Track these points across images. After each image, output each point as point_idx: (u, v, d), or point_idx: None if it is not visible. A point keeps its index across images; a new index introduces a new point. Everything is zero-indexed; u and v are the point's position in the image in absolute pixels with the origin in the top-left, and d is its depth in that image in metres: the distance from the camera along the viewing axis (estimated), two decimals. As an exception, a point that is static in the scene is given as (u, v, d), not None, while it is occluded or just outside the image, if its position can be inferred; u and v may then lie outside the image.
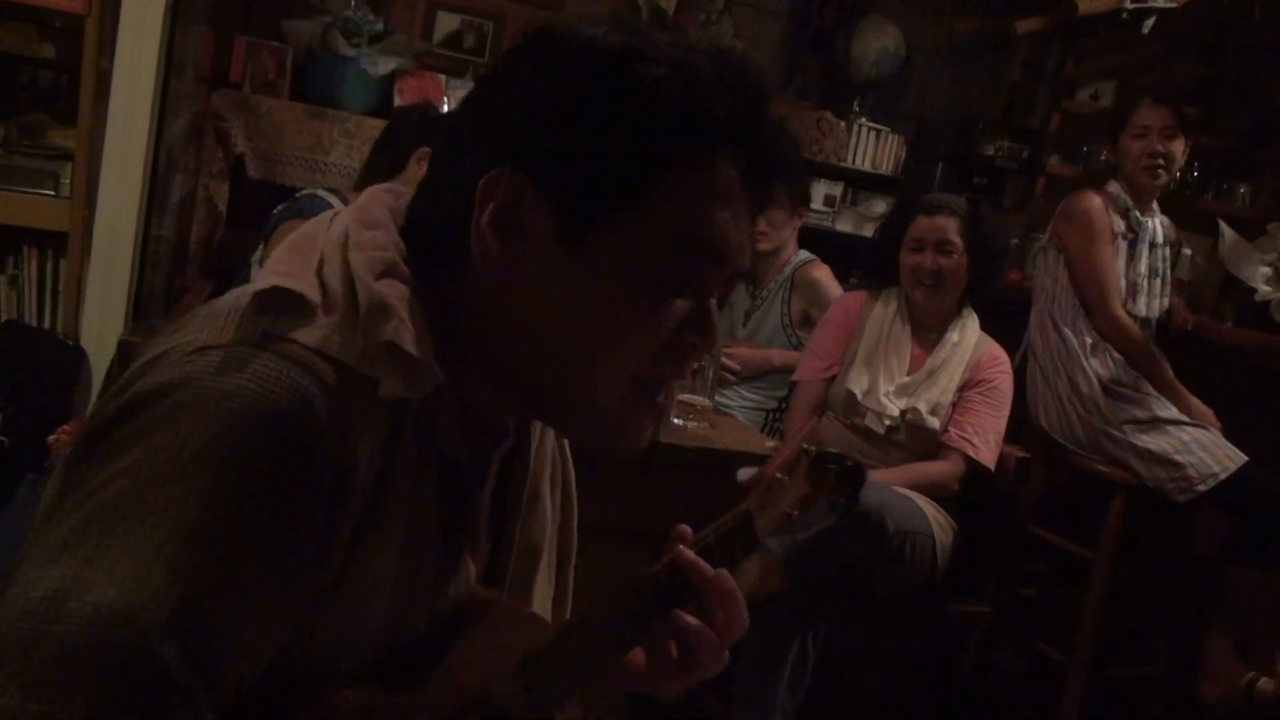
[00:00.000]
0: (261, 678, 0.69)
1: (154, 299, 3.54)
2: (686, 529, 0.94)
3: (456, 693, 0.75)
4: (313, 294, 0.73)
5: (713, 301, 0.81)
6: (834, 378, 2.67)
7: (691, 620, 0.90)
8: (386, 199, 0.83)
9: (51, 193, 2.90)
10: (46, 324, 2.96)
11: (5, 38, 2.95)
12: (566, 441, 1.01)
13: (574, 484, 1.03)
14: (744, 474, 1.01)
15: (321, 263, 0.75)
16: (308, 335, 0.70)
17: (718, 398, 2.77)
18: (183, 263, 3.51)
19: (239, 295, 0.74)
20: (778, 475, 0.98)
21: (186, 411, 0.65)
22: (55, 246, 2.95)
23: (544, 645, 0.85)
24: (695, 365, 2.59)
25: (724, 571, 0.91)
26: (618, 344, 0.77)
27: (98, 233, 2.95)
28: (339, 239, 0.77)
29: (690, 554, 0.90)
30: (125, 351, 2.21)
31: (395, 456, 0.74)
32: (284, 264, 0.75)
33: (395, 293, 0.74)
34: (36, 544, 0.64)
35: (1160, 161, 2.84)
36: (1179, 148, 2.86)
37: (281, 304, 0.72)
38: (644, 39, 0.76)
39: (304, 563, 0.68)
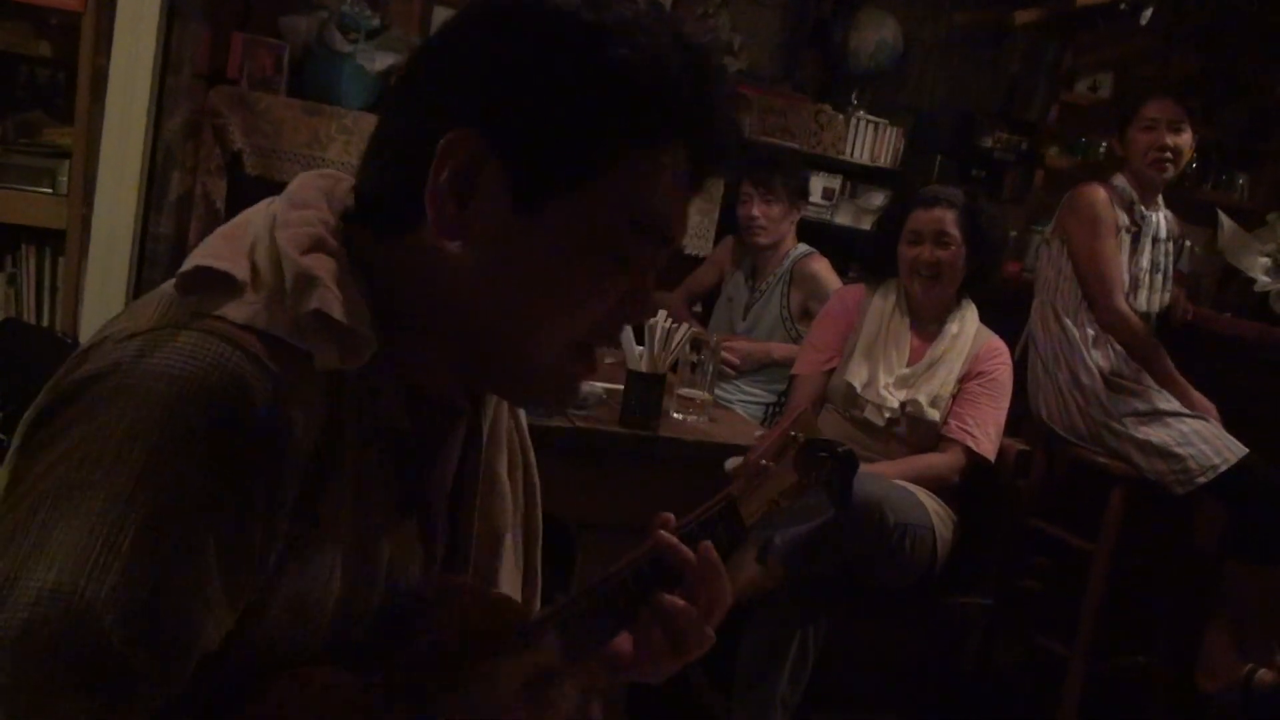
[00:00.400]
0: (219, 657, 0.69)
1: (152, 296, 3.53)
2: (669, 516, 0.93)
3: (425, 671, 0.75)
4: (240, 272, 0.73)
5: (649, 278, 0.83)
6: (833, 370, 2.67)
7: (676, 601, 0.90)
8: (320, 183, 0.83)
9: (49, 190, 2.90)
10: (45, 322, 2.95)
11: (1, 36, 2.94)
12: (525, 426, 1.03)
13: (535, 469, 1.04)
14: (731, 463, 1.01)
15: (253, 245, 0.76)
16: (236, 312, 0.71)
17: (717, 391, 2.77)
18: (180, 260, 3.49)
19: (170, 282, 0.75)
20: (764, 462, 0.97)
21: (117, 395, 0.66)
22: (53, 244, 2.94)
23: (526, 629, 0.84)
24: (694, 360, 2.55)
25: (707, 544, 0.91)
26: (563, 310, 0.79)
27: (96, 230, 2.94)
28: (269, 221, 0.77)
29: (671, 538, 0.90)
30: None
31: (338, 430, 0.74)
32: (213, 247, 0.76)
33: (321, 265, 0.74)
34: None
35: (1168, 155, 2.83)
36: (1187, 141, 2.85)
37: (207, 283, 0.73)
38: (614, 15, 0.76)
39: (247, 533, 0.68)
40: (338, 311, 0.73)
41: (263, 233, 0.76)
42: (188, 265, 0.73)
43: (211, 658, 0.69)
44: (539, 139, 0.75)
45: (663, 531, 0.91)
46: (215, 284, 0.72)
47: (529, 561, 1.04)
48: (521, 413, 1.03)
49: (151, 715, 0.64)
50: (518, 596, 1.01)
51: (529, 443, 1.04)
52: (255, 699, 0.72)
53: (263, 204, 0.82)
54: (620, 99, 0.75)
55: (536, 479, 1.04)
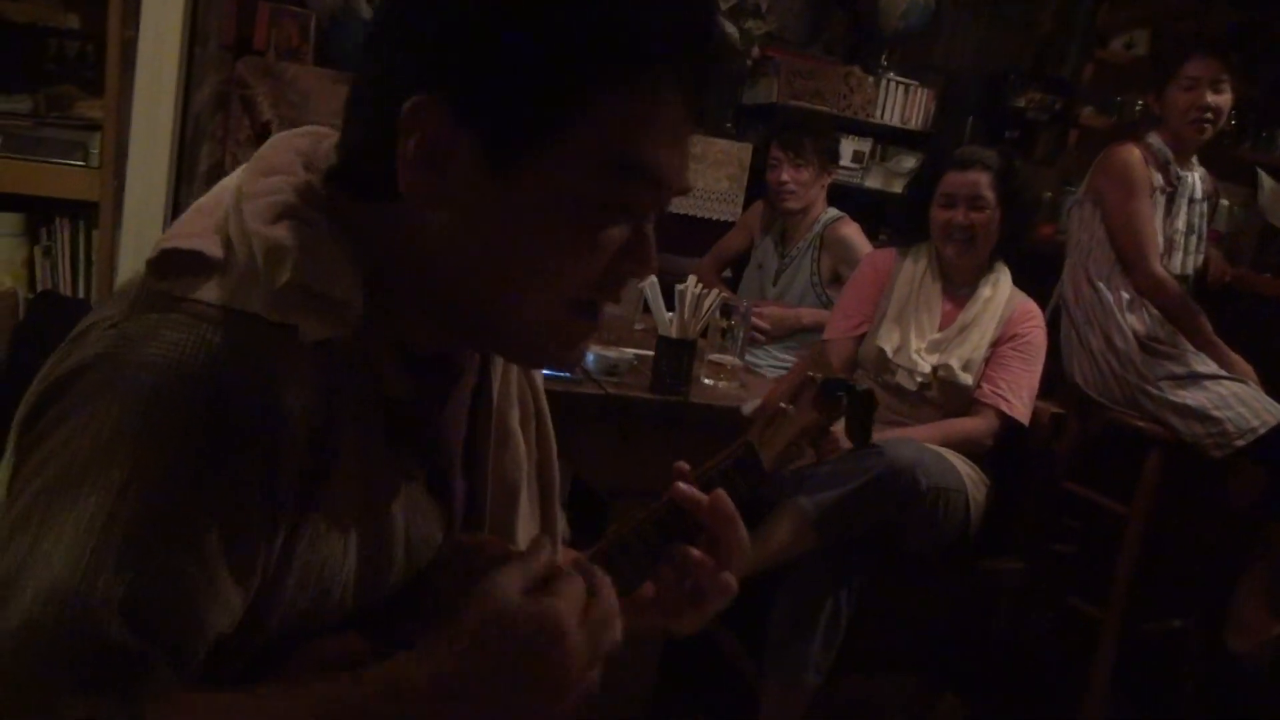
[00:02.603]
0: (242, 637, 0.69)
1: (185, 267, 3.56)
2: (684, 465, 0.93)
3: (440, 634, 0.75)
4: (212, 250, 0.72)
5: (650, 227, 0.79)
6: (864, 335, 2.65)
7: (693, 553, 0.90)
8: (296, 143, 0.81)
9: (81, 163, 2.92)
10: (80, 294, 2.99)
11: (30, 9, 2.95)
12: (536, 378, 1.01)
13: (549, 420, 1.03)
14: (748, 407, 1.00)
15: (225, 219, 0.74)
16: (211, 293, 0.70)
17: (748, 357, 2.76)
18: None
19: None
20: (782, 405, 0.96)
21: (102, 388, 0.66)
22: (87, 217, 2.97)
23: None
24: (725, 325, 2.54)
25: (720, 493, 0.90)
26: (552, 272, 0.75)
27: (128, 202, 2.97)
28: (237, 192, 0.75)
29: (686, 489, 0.90)
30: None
31: (334, 402, 0.72)
32: (186, 225, 0.74)
33: (292, 234, 0.72)
34: None
35: (1208, 115, 2.77)
36: (1227, 101, 2.78)
37: (180, 266, 0.71)
38: None
39: (244, 515, 0.67)
40: (315, 280, 0.71)
41: (232, 205, 0.74)
42: (156, 249, 0.72)
43: (232, 638, 0.69)
44: (500, 97, 0.70)
45: (680, 484, 0.90)
46: (186, 265, 0.71)
47: (546, 512, 1.03)
48: None
49: (169, 694, 0.64)
50: None
51: (542, 394, 1.02)
52: (268, 669, 0.72)
53: (239, 171, 0.79)
54: (584, 35, 0.69)
55: (550, 430, 1.03)
